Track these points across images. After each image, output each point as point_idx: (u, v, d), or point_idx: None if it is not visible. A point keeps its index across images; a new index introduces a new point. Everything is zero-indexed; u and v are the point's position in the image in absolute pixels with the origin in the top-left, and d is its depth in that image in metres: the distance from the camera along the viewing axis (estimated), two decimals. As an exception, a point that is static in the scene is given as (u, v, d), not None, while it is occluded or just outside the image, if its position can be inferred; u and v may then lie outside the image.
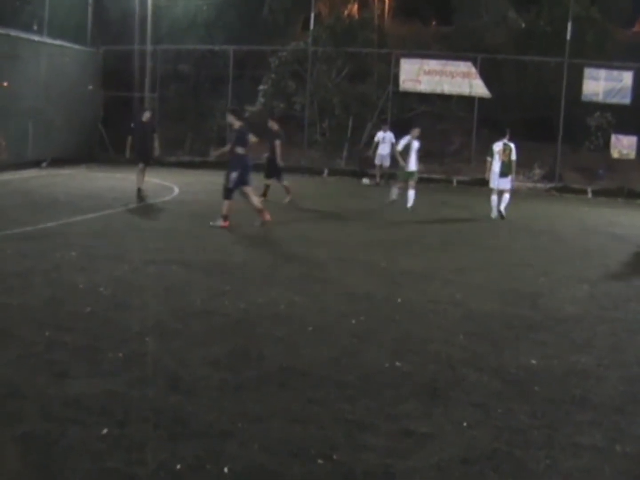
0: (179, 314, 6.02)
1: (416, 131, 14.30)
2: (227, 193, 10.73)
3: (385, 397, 4.44)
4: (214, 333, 5.59)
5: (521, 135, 16.37)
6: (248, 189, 10.86)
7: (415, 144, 14.13)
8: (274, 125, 14.19)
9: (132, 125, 14.28)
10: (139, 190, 13.62)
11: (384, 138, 19.35)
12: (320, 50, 21.91)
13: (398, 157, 14.40)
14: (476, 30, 23.41)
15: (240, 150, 10.63)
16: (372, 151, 19.64)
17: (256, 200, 11.12)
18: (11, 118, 17.47)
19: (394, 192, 14.42)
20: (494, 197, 13.59)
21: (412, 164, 14.19)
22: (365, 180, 19.50)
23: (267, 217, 10.91)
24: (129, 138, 14.08)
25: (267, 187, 14.10)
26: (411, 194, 14.09)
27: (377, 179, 19.30)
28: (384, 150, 19.28)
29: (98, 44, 21.85)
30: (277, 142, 13.82)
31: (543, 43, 21.70)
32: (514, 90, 21.73)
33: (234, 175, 10.62)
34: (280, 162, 13.88)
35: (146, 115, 14.15)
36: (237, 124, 10.92)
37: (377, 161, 19.53)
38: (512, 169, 13.62)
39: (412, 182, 14.15)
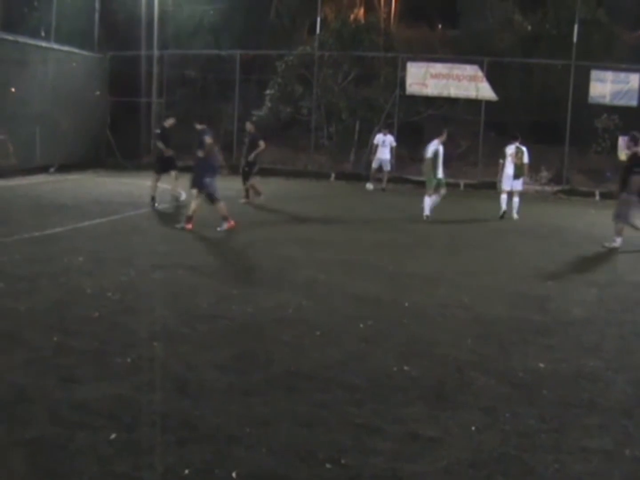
0: (186, 318, 6.03)
1: (444, 134, 13.58)
2: (212, 198, 10.78)
3: (393, 400, 4.44)
4: (221, 337, 5.60)
5: (528, 138, 16.35)
6: (195, 192, 10.84)
7: (441, 149, 13.41)
8: (252, 128, 14.69)
9: (158, 131, 13.30)
10: (156, 195, 13.20)
11: (384, 141, 19.16)
12: (326, 55, 21.92)
13: (429, 169, 13.23)
14: (482, 34, 23.37)
15: (199, 153, 10.73)
16: (372, 154, 19.56)
17: (195, 206, 10.88)
18: (19, 123, 17.54)
19: (428, 203, 13.32)
20: (504, 196, 13.92)
21: (441, 171, 13.39)
22: (369, 186, 19.27)
23: (189, 226, 10.67)
24: (159, 145, 12.97)
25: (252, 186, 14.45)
26: (435, 200, 13.43)
27: (383, 184, 19.20)
28: (384, 154, 19.09)
29: (105, 49, 21.92)
30: (262, 142, 14.27)
31: (549, 46, 21.67)
32: (521, 93, 21.68)
33: (207, 180, 10.67)
34: (249, 159, 14.25)
35: (169, 122, 13.52)
36: (198, 127, 11.01)
37: (374, 164, 19.36)
38: (524, 172, 14.20)
39: (443, 190, 13.48)
